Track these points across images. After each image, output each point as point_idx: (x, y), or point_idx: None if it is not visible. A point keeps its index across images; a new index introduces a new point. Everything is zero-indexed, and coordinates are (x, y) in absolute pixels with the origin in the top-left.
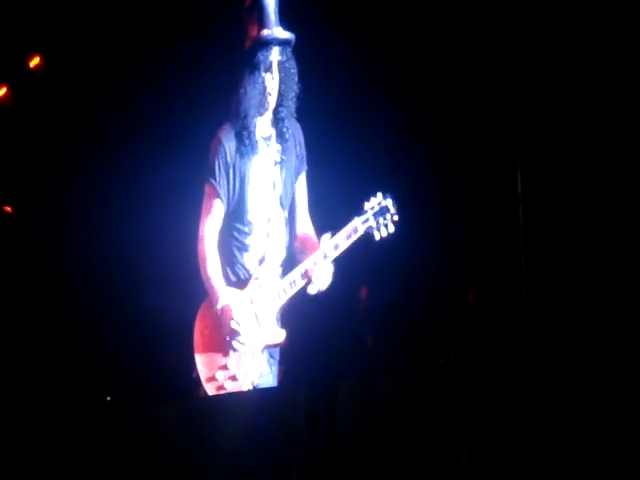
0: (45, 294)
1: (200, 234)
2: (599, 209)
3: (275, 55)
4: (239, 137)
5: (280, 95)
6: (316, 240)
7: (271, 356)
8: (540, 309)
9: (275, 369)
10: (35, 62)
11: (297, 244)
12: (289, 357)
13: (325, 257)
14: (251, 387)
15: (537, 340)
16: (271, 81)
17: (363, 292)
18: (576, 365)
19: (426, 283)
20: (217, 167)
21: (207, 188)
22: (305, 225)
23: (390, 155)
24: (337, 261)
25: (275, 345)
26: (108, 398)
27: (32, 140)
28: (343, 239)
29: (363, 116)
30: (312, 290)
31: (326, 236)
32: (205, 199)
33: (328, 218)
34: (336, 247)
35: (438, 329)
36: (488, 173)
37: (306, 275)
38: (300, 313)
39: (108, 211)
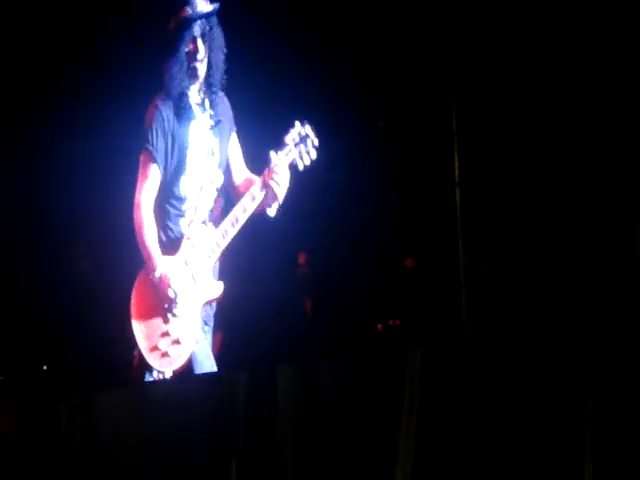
0: None
1: (136, 201)
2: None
3: (199, 29)
4: (176, 105)
5: (209, 63)
6: (258, 178)
7: (205, 323)
8: (477, 279)
9: (209, 335)
10: None
11: (241, 190)
12: (224, 323)
13: (272, 171)
14: (191, 352)
15: (475, 309)
16: (199, 53)
17: (301, 258)
18: (512, 338)
19: (364, 249)
20: (155, 133)
21: (143, 155)
22: (243, 173)
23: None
24: (273, 226)
25: (214, 300)
26: (44, 367)
27: None
28: (283, 157)
29: (287, 68)
30: (271, 212)
31: (272, 152)
32: (141, 166)
33: (252, 163)
34: (263, 186)
35: (376, 295)
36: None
37: (265, 184)
38: (236, 272)
39: (43, 179)
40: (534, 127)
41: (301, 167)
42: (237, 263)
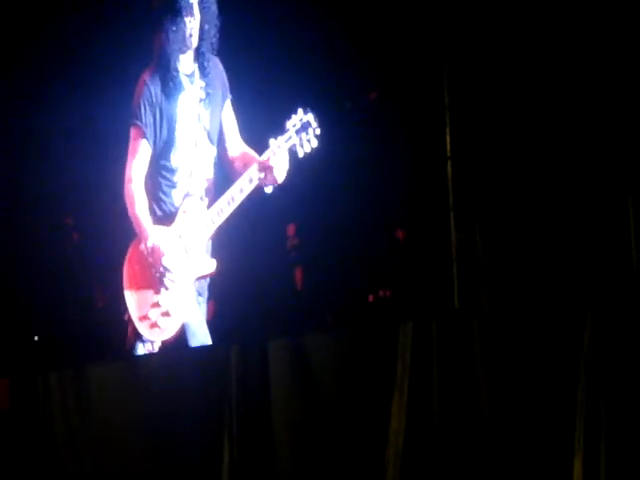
0: None
1: (127, 175)
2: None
3: None
4: (163, 78)
5: (201, 32)
6: (256, 155)
7: (199, 294)
8: (468, 252)
9: (204, 306)
10: None
11: (237, 164)
12: (217, 293)
13: (278, 148)
14: (182, 323)
15: (466, 283)
16: (192, 22)
17: (291, 229)
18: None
19: (355, 220)
20: (143, 109)
21: (133, 130)
22: (239, 146)
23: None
24: (265, 199)
25: (206, 276)
26: (35, 338)
27: None
28: (282, 143)
29: (286, 38)
30: (269, 190)
31: (272, 139)
32: (131, 141)
33: (251, 144)
34: (261, 168)
35: (367, 266)
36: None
37: (263, 166)
38: (228, 248)
39: (33, 154)
40: (527, 101)
41: (301, 154)
42: (230, 237)
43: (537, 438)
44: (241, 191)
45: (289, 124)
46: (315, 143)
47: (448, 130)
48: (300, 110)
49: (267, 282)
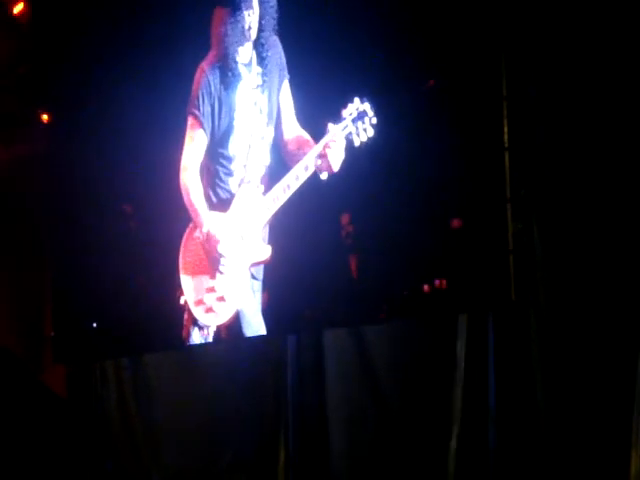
0: (30, 217)
1: (182, 164)
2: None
3: None
4: (222, 69)
5: (260, 25)
6: (310, 139)
7: (254, 278)
8: (526, 239)
9: (259, 295)
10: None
11: (291, 147)
12: (272, 282)
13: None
14: (237, 309)
15: (524, 276)
16: (251, 15)
17: (345, 217)
18: (564, 290)
19: (410, 208)
20: (201, 99)
21: (190, 119)
22: (295, 128)
23: (373, 65)
24: (320, 187)
25: (261, 262)
26: (94, 325)
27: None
28: (340, 131)
29: (345, 25)
30: (324, 176)
31: (330, 124)
32: (188, 130)
33: (307, 128)
34: (318, 156)
35: (423, 255)
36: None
37: (320, 154)
38: (283, 235)
39: (91, 142)
40: (586, 90)
41: (357, 143)
42: (284, 225)
43: (593, 432)
44: (297, 178)
45: (345, 113)
46: (371, 132)
47: (506, 121)
48: (357, 99)
49: (322, 270)
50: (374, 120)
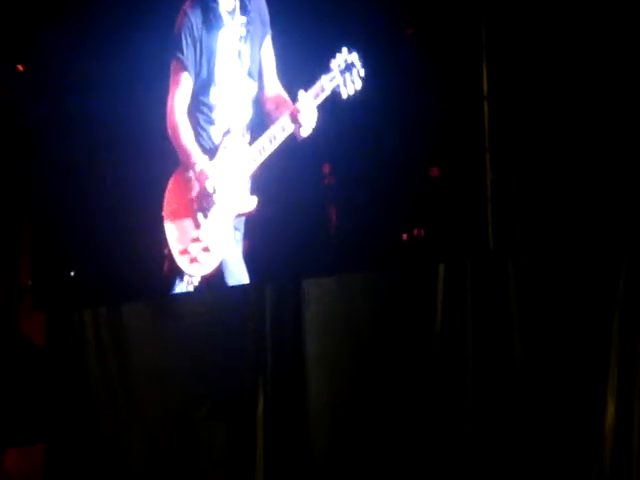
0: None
1: (169, 106)
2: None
3: None
4: (205, 11)
5: None
6: (288, 99)
7: (236, 229)
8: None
9: (241, 244)
10: None
11: (269, 106)
12: (252, 231)
13: (316, 97)
14: (221, 260)
15: (501, 224)
16: None
17: (326, 168)
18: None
19: (388, 157)
20: (184, 41)
21: (174, 62)
22: (275, 87)
23: (357, 18)
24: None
25: (246, 213)
26: (72, 274)
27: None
28: (311, 99)
29: None
30: (304, 132)
31: (301, 91)
32: (172, 73)
33: (294, 80)
34: (297, 111)
35: (401, 204)
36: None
37: (294, 117)
38: (264, 186)
39: (75, 87)
40: (566, 39)
41: (345, 96)
42: (265, 176)
43: (570, 381)
44: (283, 129)
45: (333, 63)
46: (359, 84)
47: (485, 69)
48: (345, 49)
49: (301, 221)
50: (362, 72)
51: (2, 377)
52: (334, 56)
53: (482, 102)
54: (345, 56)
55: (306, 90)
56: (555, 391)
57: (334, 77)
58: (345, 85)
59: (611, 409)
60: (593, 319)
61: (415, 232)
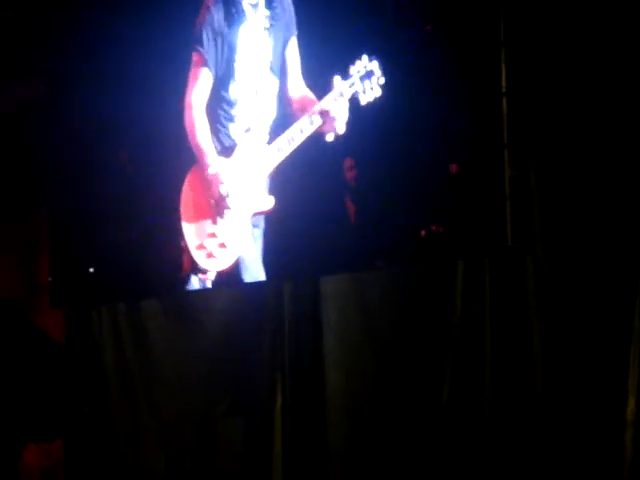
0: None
1: (187, 102)
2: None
3: None
4: (227, 5)
5: None
6: (315, 99)
7: (255, 226)
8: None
9: (259, 241)
10: None
11: (295, 106)
12: (271, 228)
13: (341, 95)
14: (238, 256)
15: (520, 222)
16: None
17: (346, 165)
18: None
19: (408, 154)
20: (205, 35)
21: (194, 56)
22: (300, 88)
23: (379, 19)
24: (320, 138)
25: (263, 212)
26: (90, 270)
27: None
28: (329, 103)
29: None
30: (330, 137)
31: (337, 77)
32: (193, 67)
33: (314, 84)
34: (322, 112)
35: (420, 200)
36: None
37: (324, 114)
38: (284, 185)
39: (93, 81)
40: (585, 36)
41: (363, 102)
42: (286, 175)
43: (588, 379)
44: (301, 132)
45: (353, 70)
46: (378, 92)
47: (504, 66)
48: (365, 57)
49: (320, 218)
50: (382, 80)
51: (22, 374)
52: (353, 63)
53: (501, 98)
54: (365, 63)
55: (342, 79)
56: (574, 388)
57: (353, 83)
58: (364, 92)
59: (632, 405)
60: (612, 316)
61: (434, 229)
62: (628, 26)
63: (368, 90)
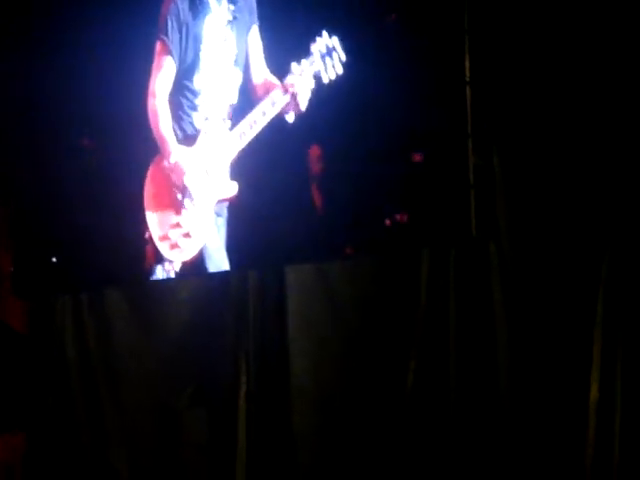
0: None
1: (150, 90)
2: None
3: None
4: None
5: None
6: (278, 82)
7: (218, 215)
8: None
9: (223, 230)
10: None
11: (260, 93)
12: (235, 217)
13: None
14: (202, 246)
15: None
16: None
17: (311, 153)
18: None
19: (372, 143)
20: (170, 24)
21: (159, 45)
22: (263, 74)
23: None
24: (283, 124)
25: (227, 199)
26: (53, 260)
27: None
28: (290, 83)
29: None
30: (290, 117)
31: (294, 63)
32: (156, 56)
33: (278, 69)
34: (284, 91)
35: (384, 189)
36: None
37: (286, 90)
38: (248, 171)
39: (58, 68)
40: (548, 24)
41: (326, 80)
42: (250, 161)
43: (553, 367)
44: (264, 114)
45: (314, 47)
46: (340, 69)
47: (467, 55)
48: (325, 33)
49: (285, 207)
50: (343, 57)
51: None
52: (314, 40)
53: (465, 87)
54: (326, 40)
55: (300, 61)
56: (538, 376)
57: (314, 61)
58: (326, 70)
59: (594, 391)
60: (576, 304)
61: (398, 217)
62: (592, 14)
63: (330, 68)
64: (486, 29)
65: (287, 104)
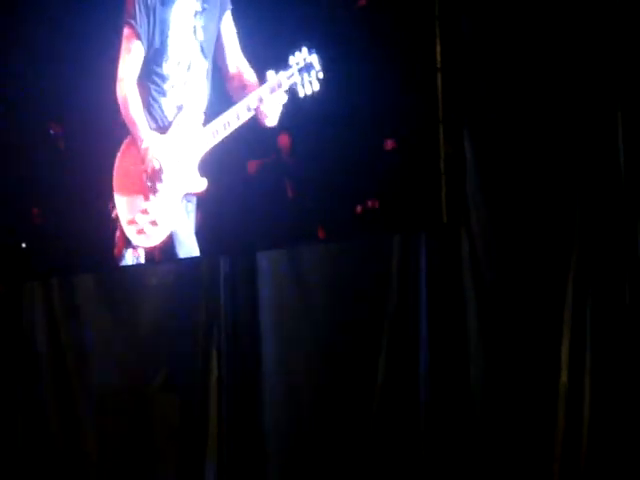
0: None
1: (119, 74)
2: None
3: None
4: None
5: None
6: (256, 80)
7: (188, 201)
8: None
9: (192, 216)
10: None
11: (235, 83)
12: (206, 203)
13: (272, 91)
14: (169, 233)
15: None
16: None
17: (281, 141)
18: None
19: (343, 129)
20: (137, 9)
21: (126, 29)
22: (239, 63)
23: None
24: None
25: (195, 194)
26: (23, 245)
27: None
28: (267, 93)
29: None
30: (269, 123)
31: (271, 72)
32: (124, 40)
33: (254, 57)
34: (260, 100)
35: (355, 176)
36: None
37: (261, 103)
38: (220, 158)
39: (24, 52)
40: (520, 11)
41: (301, 95)
42: (222, 148)
43: (524, 352)
44: (238, 117)
45: (292, 61)
46: (317, 86)
47: (438, 41)
48: (305, 49)
49: (257, 192)
50: (320, 75)
51: None
52: (293, 53)
53: (435, 74)
54: (305, 55)
55: (277, 72)
56: (508, 362)
57: (292, 74)
58: (303, 85)
59: (564, 377)
60: (546, 291)
61: (369, 204)
62: (565, 2)
63: (307, 84)
64: (457, 15)
65: (261, 113)
